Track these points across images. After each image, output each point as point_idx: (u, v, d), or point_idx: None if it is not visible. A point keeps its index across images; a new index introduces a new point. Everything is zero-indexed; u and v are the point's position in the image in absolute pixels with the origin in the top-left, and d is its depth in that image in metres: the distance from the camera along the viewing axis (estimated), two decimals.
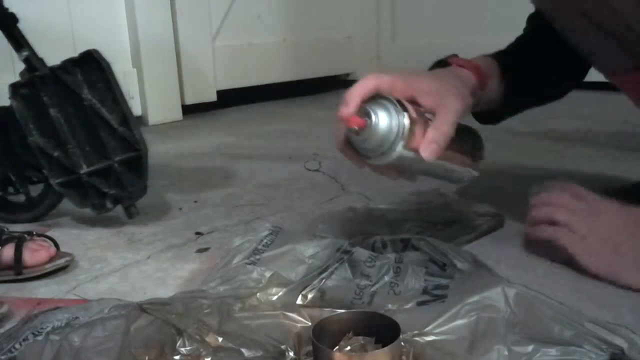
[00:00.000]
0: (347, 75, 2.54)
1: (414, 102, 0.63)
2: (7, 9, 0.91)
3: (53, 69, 0.89)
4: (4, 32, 0.91)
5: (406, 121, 0.58)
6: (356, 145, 0.62)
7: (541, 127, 1.41)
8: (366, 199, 0.97)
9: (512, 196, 0.92)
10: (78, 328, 0.48)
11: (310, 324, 0.54)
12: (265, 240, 0.65)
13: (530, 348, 0.47)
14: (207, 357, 0.50)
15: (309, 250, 0.63)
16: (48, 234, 0.82)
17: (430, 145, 0.60)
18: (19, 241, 0.74)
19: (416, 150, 0.60)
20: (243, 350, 0.50)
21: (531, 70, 0.81)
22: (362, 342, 0.50)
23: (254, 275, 0.61)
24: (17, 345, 0.48)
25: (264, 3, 2.20)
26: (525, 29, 0.86)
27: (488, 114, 0.82)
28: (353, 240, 0.67)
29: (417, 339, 0.50)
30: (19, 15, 0.91)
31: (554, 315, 0.50)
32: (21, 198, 0.95)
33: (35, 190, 0.95)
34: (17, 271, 0.72)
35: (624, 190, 0.86)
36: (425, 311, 0.54)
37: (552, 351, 0.46)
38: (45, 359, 0.45)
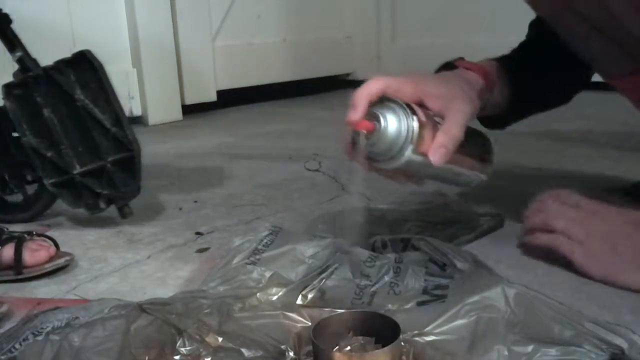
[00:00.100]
0: (347, 75, 2.54)
1: (421, 105, 0.62)
2: (0, 9, 0.91)
3: (46, 70, 0.89)
4: None
5: (415, 125, 0.58)
6: (364, 149, 0.61)
7: (541, 127, 1.41)
8: (366, 199, 0.97)
9: (512, 196, 0.92)
10: (78, 328, 0.48)
11: (310, 324, 0.54)
12: (265, 240, 0.65)
13: (530, 348, 0.47)
14: (207, 357, 0.50)
15: (309, 250, 0.63)
16: (48, 234, 0.82)
17: (439, 149, 0.59)
18: (19, 241, 0.74)
19: (425, 155, 0.59)
20: (243, 350, 0.50)
21: (534, 75, 0.81)
22: (362, 342, 0.51)
23: (254, 275, 0.61)
24: (17, 345, 0.47)
25: (264, 3, 2.20)
26: (527, 35, 0.86)
27: (494, 118, 0.82)
28: (353, 240, 0.67)
29: (417, 339, 0.50)
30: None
31: (554, 315, 0.50)
32: (16, 198, 0.95)
33: (29, 190, 0.95)
34: (17, 271, 0.72)
35: (624, 190, 0.86)
36: (425, 311, 0.54)
37: (552, 351, 0.46)
38: (45, 359, 0.45)
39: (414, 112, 0.59)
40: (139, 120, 1.88)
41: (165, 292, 0.67)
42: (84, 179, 0.90)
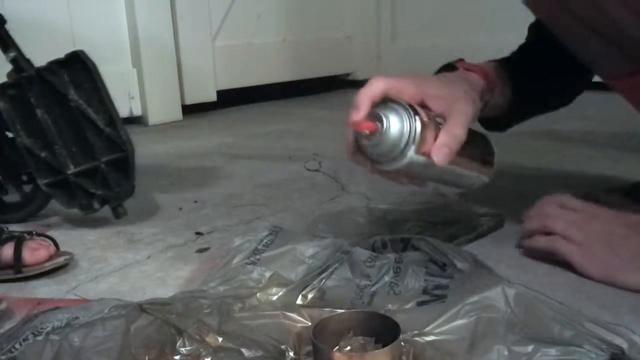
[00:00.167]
0: (347, 75, 2.53)
1: (423, 106, 0.62)
2: None
3: (39, 70, 0.89)
4: None
5: (418, 125, 0.58)
6: (366, 150, 0.61)
7: (541, 127, 1.41)
8: (366, 199, 0.97)
9: (512, 196, 0.93)
10: (78, 328, 0.48)
11: (310, 324, 0.54)
12: (265, 240, 0.65)
13: (530, 348, 0.47)
14: (207, 357, 0.50)
15: (309, 250, 0.63)
16: (48, 233, 0.82)
17: (442, 149, 0.59)
18: (19, 240, 0.74)
19: (428, 155, 0.59)
20: (243, 350, 0.50)
21: (534, 78, 0.81)
22: (362, 342, 0.50)
23: (254, 275, 0.61)
24: (17, 345, 0.47)
25: (264, 3, 2.20)
26: (527, 38, 0.86)
27: (495, 120, 0.82)
28: (353, 240, 0.67)
29: (417, 339, 0.50)
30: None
31: (554, 315, 0.50)
32: (12, 198, 0.95)
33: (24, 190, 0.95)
34: (16, 270, 0.72)
35: (623, 191, 0.86)
36: (425, 311, 0.54)
37: (552, 351, 0.46)
38: (45, 359, 0.45)
39: (416, 113, 0.58)
40: (139, 120, 1.88)
41: (165, 292, 0.67)
42: (77, 179, 0.90)
